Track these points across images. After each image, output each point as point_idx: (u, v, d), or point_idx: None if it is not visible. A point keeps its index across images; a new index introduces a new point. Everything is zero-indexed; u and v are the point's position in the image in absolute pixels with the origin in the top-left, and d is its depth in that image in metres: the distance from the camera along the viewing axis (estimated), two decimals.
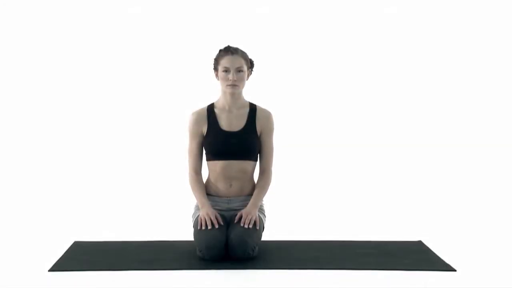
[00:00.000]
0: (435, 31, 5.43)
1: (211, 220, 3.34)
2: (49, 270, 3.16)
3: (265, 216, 3.55)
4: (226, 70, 3.40)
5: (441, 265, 3.28)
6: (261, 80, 4.08)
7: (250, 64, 3.47)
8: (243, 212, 3.39)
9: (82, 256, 3.39)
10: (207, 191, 3.51)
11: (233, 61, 3.39)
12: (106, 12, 5.39)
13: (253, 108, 3.51)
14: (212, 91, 5.23)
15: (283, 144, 5.41)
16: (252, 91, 3.68)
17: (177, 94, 5.40)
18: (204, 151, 3.54)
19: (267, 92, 4.74)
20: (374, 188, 5.10)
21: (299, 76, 5.45)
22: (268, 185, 3.52)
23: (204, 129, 3.48)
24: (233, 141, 3.44)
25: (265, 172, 3.52)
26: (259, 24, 5.40)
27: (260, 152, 3.52)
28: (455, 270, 3.20)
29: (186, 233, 3.75)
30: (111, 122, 5.39)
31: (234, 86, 3.42)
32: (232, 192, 3.49)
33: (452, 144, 5.40)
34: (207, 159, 3.51)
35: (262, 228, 3.45)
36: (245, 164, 3.47)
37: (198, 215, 3.43)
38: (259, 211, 3.48)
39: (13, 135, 5.31)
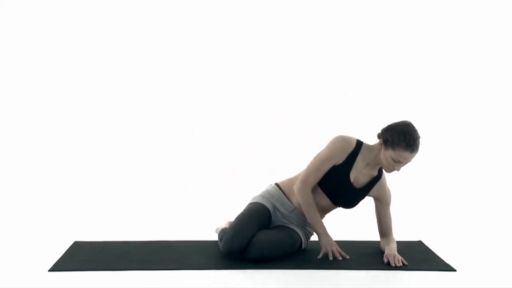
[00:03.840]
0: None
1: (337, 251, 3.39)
2: (49, 270, 3.16)
3: (306, 239, 3.54)
4: (399, 162, 3.32)
5: (441, 265, 3.28)
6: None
7: None
8: (388, 256, 3.35)
9: (82, 256, 3.39)
10: (293, 198, 3.54)
11: (409, 159, 3.32)
12: (106, 13, 5.39)
13: (379, 175, 3.50)
14: (209, 92, 5.24)
15: (281, 144, 5.42)
16: None
17: (177, 94, 5.40)
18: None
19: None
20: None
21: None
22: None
23: (339, 161, 3.43)
24: (349, 195, 3.45)
25: (390, 235, 3.57)
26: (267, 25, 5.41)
27: (380, 219, 3.58)
28: (455, 270, 3.20)
29: (186, 233, 3.74)
30: (111, 122, 5.39)
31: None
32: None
33: (452, 143, 5.40)
34: (319, 185, 3.46)
35: (290, 243, 3.42)
36: (341, 209, 3.56)
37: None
38: (303, 230, 3.51)
39: (13, 135, 5.30)
